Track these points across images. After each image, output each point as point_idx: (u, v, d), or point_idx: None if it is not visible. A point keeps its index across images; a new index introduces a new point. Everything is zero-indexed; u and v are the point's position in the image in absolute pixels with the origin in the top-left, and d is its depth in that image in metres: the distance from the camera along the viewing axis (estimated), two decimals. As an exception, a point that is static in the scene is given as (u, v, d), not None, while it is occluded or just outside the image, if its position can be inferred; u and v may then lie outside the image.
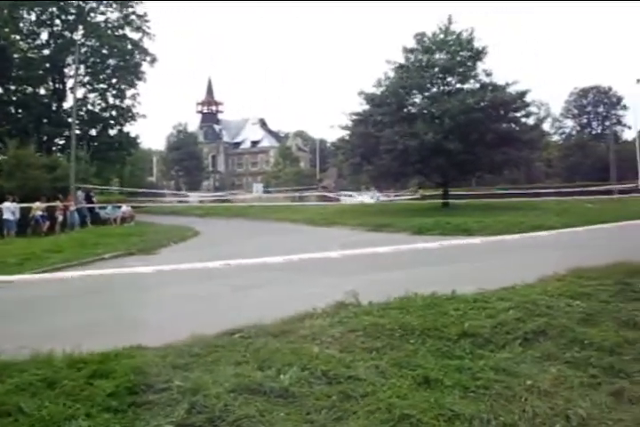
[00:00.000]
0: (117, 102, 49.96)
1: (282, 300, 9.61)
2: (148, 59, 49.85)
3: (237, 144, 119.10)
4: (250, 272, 11.96)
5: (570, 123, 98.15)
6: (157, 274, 9.44)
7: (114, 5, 48.62)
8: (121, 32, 49.28)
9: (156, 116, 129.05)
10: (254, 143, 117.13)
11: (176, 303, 10.25)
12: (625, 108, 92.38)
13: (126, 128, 50.55)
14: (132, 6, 49.03)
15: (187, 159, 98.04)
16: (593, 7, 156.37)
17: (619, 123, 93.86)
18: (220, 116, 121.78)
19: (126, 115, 49.91)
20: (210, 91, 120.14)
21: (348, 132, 41.11)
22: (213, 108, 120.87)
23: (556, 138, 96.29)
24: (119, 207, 35.32)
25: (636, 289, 8.62)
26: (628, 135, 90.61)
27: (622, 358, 6.00)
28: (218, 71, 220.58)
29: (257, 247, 19.94)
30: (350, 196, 54.73)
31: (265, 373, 5.44)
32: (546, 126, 76.44)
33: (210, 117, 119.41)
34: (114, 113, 49.68)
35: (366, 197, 52.44)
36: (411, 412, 4.65)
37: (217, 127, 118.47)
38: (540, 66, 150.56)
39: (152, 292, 10.80)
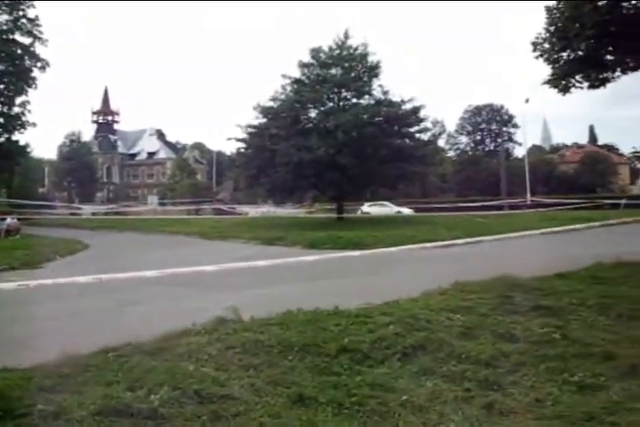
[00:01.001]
0: (5, 110, 47.81)
1: (162, 316, 9.32)
2: (39, 64, 47.89)
3: (133, 155, 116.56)
4: (133, 287, 11.60)
5: (464, 139, 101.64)
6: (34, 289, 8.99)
7: (2, 7, 46.53)
8: (10, 36, 47.14)
9: (49, 124, 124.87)
10: (151, 154, 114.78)
11: (50, 320, 9.72)
12: (516, 126, 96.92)
13: (15, 136, 48.46)
14: (22, 9, 47.09)
15: (80, 170, 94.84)
16: (485, 29, 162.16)
17: (510, 140, 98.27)
18: (116, 126, 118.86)
19: (15, 123, 47.79)
20: (106, 100, 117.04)
21: (244, 144, 40.89)
22: (109, 118, 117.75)
23: (450, 154, 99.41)
24: (3, 219, 33.76)
25: (515, 302, 8.84)
26: (518, 152, 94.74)
27: (497, 370, 6.09)
28: (115, 81, 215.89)
29: (146, 261, 19.44)
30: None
31: (135, 393, 5.23)
32: (441, 142, 78.86)
33: (105, 128, 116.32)
34: (1, 120, 47.49)
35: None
36: (282, 431, 4.55)
37: (112, 138, 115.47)
38: (435, 84, 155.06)
39: (23, 308, 10.27)
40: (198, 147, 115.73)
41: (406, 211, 51.70)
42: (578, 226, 17.17)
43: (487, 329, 7.48)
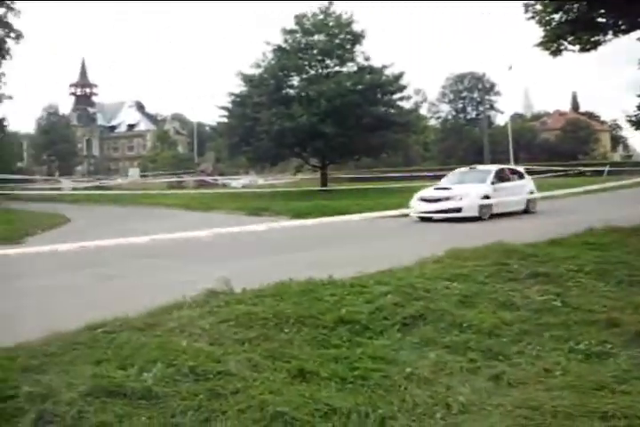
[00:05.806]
0: (-21, 83, 46.47)
1: (150, 289, 8.94)
2: (13, 35, 46.40)
3: (113, 128, 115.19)
4: (119, 260, 11.33)
5: (446, 107, 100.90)
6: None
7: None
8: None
9: (26, 97, 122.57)
10: (131, 127, 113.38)
11: (34, 296, 9.27)
12: (498, 93, 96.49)
13: (-9, 110, 47.21)
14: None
15: (59, 143, 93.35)
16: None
17: (492, 108, 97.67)
18: (94, 98, 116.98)
19: (-11, 96, 46.59)
20: (83, 72, 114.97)
21: (226, 113, 40.35)
22: (87, 90, 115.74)
23: (432, 122, 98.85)
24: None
25: (512, 270, 8.64)
26: (500, 120, 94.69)
27: (501, 339, 5.88)
28: (92, 52, 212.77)
29: (128, 233, 19.05)
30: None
31: (127, 372, 4.92)
32: (423, 110, 78.41)
33: (84, 100, 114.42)
34: (-24, 94, 46.30)
35: None
36: (284, 409, 4.26)
37: (91, 110, 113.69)
38: (417, 52, 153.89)
39: (5, 283, 9.93)
40: (178, 118, 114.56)
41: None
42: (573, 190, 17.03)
43: (486, 297, 7.27)
